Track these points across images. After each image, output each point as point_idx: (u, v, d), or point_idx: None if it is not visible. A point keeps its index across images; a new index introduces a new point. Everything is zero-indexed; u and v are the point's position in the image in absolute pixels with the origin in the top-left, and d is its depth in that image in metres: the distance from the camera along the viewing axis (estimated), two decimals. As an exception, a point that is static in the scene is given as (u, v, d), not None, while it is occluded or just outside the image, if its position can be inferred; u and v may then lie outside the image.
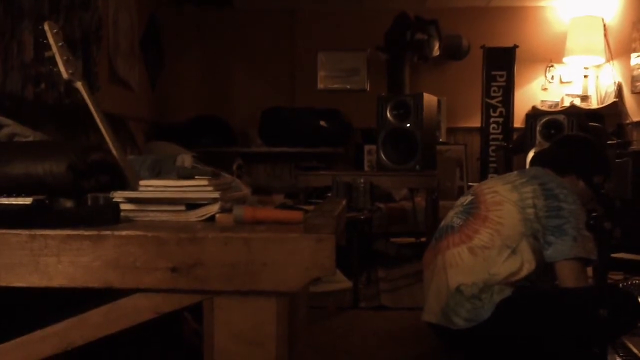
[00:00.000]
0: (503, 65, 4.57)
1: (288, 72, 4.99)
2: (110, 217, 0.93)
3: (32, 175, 1.01)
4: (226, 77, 4.99)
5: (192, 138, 4.31)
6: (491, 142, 4.60)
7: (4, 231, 0.84)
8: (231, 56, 4.97)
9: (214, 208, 0.99)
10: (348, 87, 5.01)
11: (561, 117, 3.17)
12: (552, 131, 3.11)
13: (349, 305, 2.62)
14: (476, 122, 4.72)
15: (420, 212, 3.70)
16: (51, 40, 1.23)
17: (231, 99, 4.97)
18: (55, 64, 1.23)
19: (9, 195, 0.94)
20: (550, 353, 1.65)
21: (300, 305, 1.22)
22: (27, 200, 0.91)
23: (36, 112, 2.56)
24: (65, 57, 1.23)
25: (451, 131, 4.91)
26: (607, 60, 4.49)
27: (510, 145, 4.08)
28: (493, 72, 4.59)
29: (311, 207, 1.18)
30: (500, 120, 4.60)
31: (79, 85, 1.25)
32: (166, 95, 4.79)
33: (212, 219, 0.99)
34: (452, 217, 1.83)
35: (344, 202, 1.24)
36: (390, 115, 3.20)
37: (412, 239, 4.03)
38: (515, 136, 4.38)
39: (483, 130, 4.61)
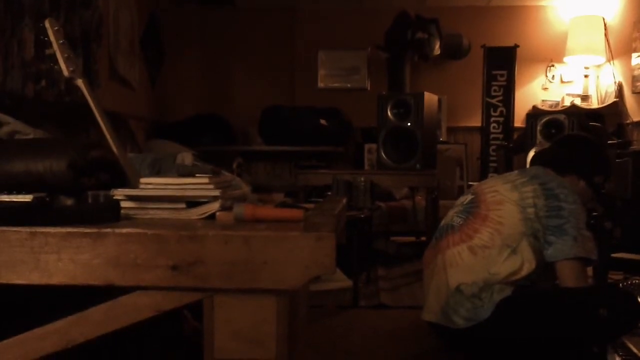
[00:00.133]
0: (504, 64, 4.57)
1: (288, 70, 4.99)
2: (111, 214, 0.93)
3: (32, 173, 1.01)
4: (226, 75, 4.99)
5: (192, 136, 4.31)
6: (491, 142, 4.60)
7: (4, 229, 0.84)
8: (231, 55, 4.96)
9: (214, 206, 0.99)
10: (348, 85, 5.01)
11: (562, 117, 3.17)
12: (553, 131, 3.11)
13: (349, 304, 2.62)
14: (476, 122, 4.72)
15: (421, 211, 3.70)
16: (52, 38, 1.23)
17: (231, 97, 4.97)
18: (56, 62, 1.23)
19: (9, 193, 0.94)
20: (550, 352, 1.65)
21: (301, 304, 1.22)
22: (28, 198, 0.91)
23: (37, 110, 2.56)
24: (66, 55, 1.23)
25: (451, 130, 4.91)
26: (608, 60, 4.49)
27: (511, 145, 4.07)
28: (494, 72, 4.59)
29: (311, 206, 1.18)
30: (501, 119, 4.60)
31: (79, 82, 1.25)
32: (166, 94, 4.79)
33: (212, 217, 0.99)
34: (452, 216, 1.83)
35: (344, 201, 1.24)
36: (390, 114, 3.20)
37: (412, 238, 4.04)
38: (515, 136, 4.38)
39: (483, 130, 4.61)
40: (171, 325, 1.33)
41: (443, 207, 3.22)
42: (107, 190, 1.01)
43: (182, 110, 4.72)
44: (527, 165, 2.73)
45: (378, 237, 3.76)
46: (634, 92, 4.13)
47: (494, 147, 4.57)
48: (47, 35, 1.23)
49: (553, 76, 4.85)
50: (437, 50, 4.67)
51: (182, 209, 1.00)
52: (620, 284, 2.36)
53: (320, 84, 5.01)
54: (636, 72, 4.06)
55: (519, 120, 4.57)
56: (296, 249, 0.80)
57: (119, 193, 1.00)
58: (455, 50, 4.78)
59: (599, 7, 4.57)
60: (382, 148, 3.21)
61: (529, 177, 1.78)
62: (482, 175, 4.40)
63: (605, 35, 4.50)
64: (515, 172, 1.92)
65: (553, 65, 4.83)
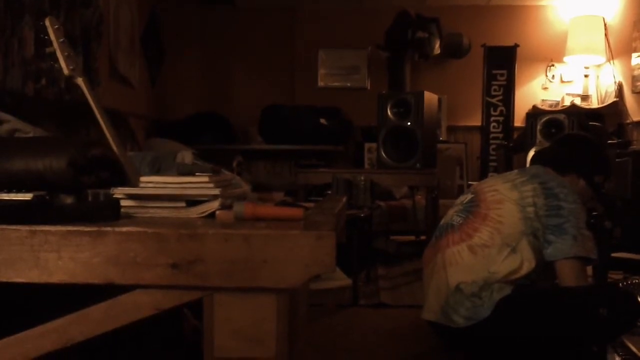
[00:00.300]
0: (504, 64, 4.57)
1: (288, 69, 4.99)
2: (111, 213, 0.93)
3: (32, 171, 1.01)
4: (226, 74, 4.99)
5: (192, 135, 4.30)
6: (491, 141, 4.60)
7: (4, 227, 0.84)
8: (232, 53, 4.96)
9: (214, 205, 0.99)
10: (348, 85, 5.01)
11: (562, 117, 3.17)
12: (553, 130, 3.11)
13: (349, 303, 2.62)
14: (476, 121, 4.72)
15: (420, 210, 3.70)
16: (52, 36, 1.23)
17: (231, 96, 4.97)
18: (56, 60, 1.23)
19: (9, 191, 0.94)
20: (550, 352, 1.65)
21: (301, 302, 1.22)
22: (27, 196, 0.91)
23: (37, 108, 2.56)
24: (66, 53, 1.23)
25: (451, 130, 4.91)
26: (608, 60, 4.49)
27: (511, 144, 4.07)
28: (494, 71, 4.59)
29: (311, 205, 1.18)
30: (501, 119, 4.60)
31: (79, 81, 1.25)
32: (166, 92, 4.78)
33: (212, 215, 0.98)
34: (452, 215, 1.83)
35: (344, 200, 1.24)
36: (390, 113, 3.20)
37: (412, 237, 4.04)
38: (515, 135, 4.38)
39: (483, 129, 4.61)
40: (171, 324, 1.33)
41: (443, 206, 3.23)
42: (107, 188, 1.01)
43: (182, 109, 4.72)
44: (527, 165, 2.73)
45: (378, 236, 3.76)
46: (633, 92, 4.13)
47: (493, 146, 4.57)
48: (47, 34, 1.23)
49: (553, 76, 4.85)
50: (437, 49, 4.66)
51: (182, 207, 1.00)
52: (620, 284, 2.36)
53: (321, 83, 5.01)
54: (636, 72, 4.06)
55: (519, 120, 4.57)
56: (296, 247, 0.80)
57: (119, 192, 1.00)
58: (455, 50, 4.78)
59: (599, 7, 4.57)
60: (382, 147, 3.21)
61: (528, 177, 1.78)
62: (482, 175, 4.40)
63: (606, 35, 4.50)
64: (515, 171, 1.92)
65: (553, 65, 4.83)
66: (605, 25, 4.51)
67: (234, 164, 3.23)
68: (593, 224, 1.80)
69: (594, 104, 4.66)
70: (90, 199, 0.98)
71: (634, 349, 1.82)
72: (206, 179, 1.01)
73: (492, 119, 4.60)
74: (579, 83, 4.78)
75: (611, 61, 4.46)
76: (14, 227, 0.84)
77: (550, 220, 1.66)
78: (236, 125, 4.74)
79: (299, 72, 4.99)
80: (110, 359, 1.18)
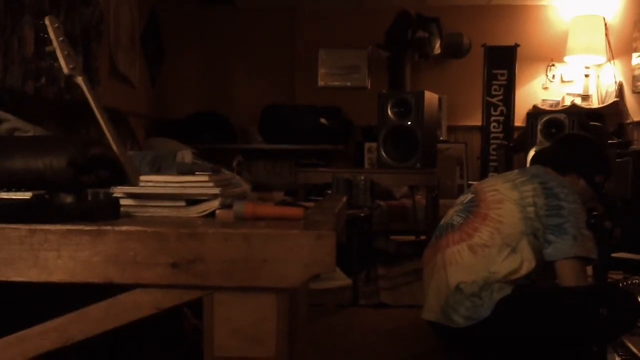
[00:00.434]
0: (504, 63, 4.57)
1: (288, 69, 4.99)
2: (110, 212, 0.93)
3: (32, 170, 1.01)
4: (227, 73, 4.99)
5: (192, 134, 4.30)
6: (492, 141, 4.60)
7: (3, 226, 0.84)
8: (232, 53, 4.96)
9: (214, 204, 0.99)
10: (349, 84, 5.00)
11: (562, 116, 3.17)
12: (553, 130, 3.10)
13: (349, 303, 2.62)
14: (477, 121, 4.72)
15: (421, 210, 3.70)
16: (52, 35, 1.22)
17: (231, 95, 4.97)
18: (56, 59, 1.23)
19: (8, 190, 0.94)
20: (550, 352, 1.65)
21: (300, 302, 1.22)
22: (27, 195, 0.91)
23: (36, 107, 2.56)
24: (66, 52, 1.23)
25: (452, 129, 4.90)
26: (608, 60, 4.49)
27: (511, 144, 4.07)
28: (494, 71, 4.58)
29: (311, 204, 1.18)
30: (501, 119, 4.60)
31: (79, 80, 1.25)
32: (166, 92, 4.78)
33: (212, 214, 0.98)
34: (452, 215, 1.83)
35: (344, 199, 1.24)
36: (391, 112, 3.20)
37: (412, 237, 4.04)
38: (515, 135, 4.38)
39: (484, 129, 4.61)
40: (171, 323, 1.33)
41: (443, 206, 3.22)
42: (107, 187, 1.01)
43: (182, 109, 4.72)
44: (528, 165, 2.73)
45: (378, 235, 3.75)
46: (634, 92, 4.12)
47: (494, 146, 4.57)
48: (47, 33, 1.22)
49: (553, 75, 4.85)
50: (437, 49, 4.66)
51: (182, 206, 0.99)
52: (620, 284, 2.36)
53: (321, 83, 5.00)
54: (636, 72, 4.06)
55: (519, 120, 4.57)
56: (296, 247, 0.80)
57: (118, 191, 1.00)
58: (455, 49, 4.78)
59: (599, 6, 4.56)
60: (382, 147, 3.21)
61: (529, 176, 1.78)
62: (482, 175, 4.40)
63: (606, 34, 4.50)
64: (515, 171, 1.92)
65: (553, 65, 4.82)
66: (605, 25, 4.51)
67: (234, 164, 3.23)
68: (593, 224, 1.80)
69: (595, 103, 4.66)
70: (90, 198, 0.98)
71: (634, 349, 1.82)
72: (206, 178, 1.01)
73: (493, 118, 4.60)
74: (579, 83, 4.78)
75: (611, 61, 4.46)
76: (13, 226, 0.83)
77: (551, 220, 1.66)
78: (236, 125, 4.74)
79: (299, 71, 4.99)
80: (110, 358, 1.18)
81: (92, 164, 1.06)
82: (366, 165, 4.44)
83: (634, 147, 3.66)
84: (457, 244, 1.71)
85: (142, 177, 1.02)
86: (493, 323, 1.59)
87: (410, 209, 3.87)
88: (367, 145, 4.49)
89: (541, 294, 1.70)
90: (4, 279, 0.84)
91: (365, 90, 4.93)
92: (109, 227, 0.83)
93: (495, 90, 4.60)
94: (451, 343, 1.81)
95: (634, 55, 4.06)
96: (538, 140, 3.14)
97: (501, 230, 1.67)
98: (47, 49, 1.24)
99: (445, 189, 4.20)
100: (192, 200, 1.00)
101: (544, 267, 1.68)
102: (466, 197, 1.86)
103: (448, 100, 4.77)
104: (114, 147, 1.19)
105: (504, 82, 4.58)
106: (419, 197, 3.88)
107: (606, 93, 4.56)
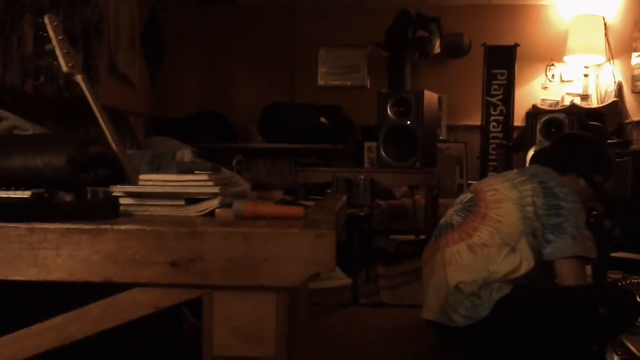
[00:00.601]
0: (504, 63, 4.57)
1: (288, 68, 4.98)
2: (110, 211, 0.93)
3: (31, 169, 1.01)
4: (226, 72, 4.98)
5: (192, 133, 4.30)
6: (491, 141, 4.60)
7: (2, 224, 0.84)
8: (232, 52, 4.96)
9: (213, 203, 0.99)
10: (348, 83, 5.00)
11: (562, 116, 3.17)
12: (553, 130, 3.11)
13: (349, 302, 2.62)
14: (476, 120, 4.72)
15: (420, 209, 3.70)
16: (51, 34, 1.22)
17: (231, 94, 4.96)
18: (55, 57, 1.23)
19: (7, 189, 0.94)
20: (549, 351, 1.65)
21: (300, 301, 1.21)
22: (26, 194, 0.90)
23: (36, 106, 2.56)
24: (65, 51, 1.23)
25: (451, 129, 4.90)
26: (608, 60, 4.49)
27: (511, 144, 4.07)
28: (494, 70, 4.58)
29: (311, 204, 1.17)
30: (501, 118, 4.59)
31: (78, 78, 1.24)
32: (166, 91, 4.78)
33: (211, 213, 0.98)
34: (451, 214, 1.83)
35: (344, 199, 1.24)
36: (390, 112, 3.20)
37: (411, 236, 4.04)
38: (515, 134, 4.38)
39: (483, 129, 4.60)
40: (170, 322, 1.32)
41: (443, 205, 3.22)
42: (106, 186, 1.01)
43: (182, 108, 4.72)
44: (527, 164, 2.73)
45: (378, 235, 3.75)
46: (633, 92, 4.12)
47: (493, 145, 4.57)
48: (46, 31, 1.22)
49: (553, 75, 4.85)
50: (437, 48, 4.66)
51: (181, 205, 0.99)
52: (619, 283, 2.36)
53: (321, 82, 5.00)
54: (636, 72, 4.06)
55: (518, 119, 4.57)
56: (296, 246, 0.80)
57: (118, 189, 1.00)
58: (455, 49, 4.78)
59: (599, 6, 4.56)
60: (382, 146, 3.21)
61: (528, 176, 1.78)
62: (482, 174, 4.40)
63: (606, 34, 4.50)
64: (515, 170, 1.92)
65: (553, 65, 4.82)
66: (605, 24, 4.51)
67: (234, 163, 3.23)
68: (593, 223, 1.80)
69: (594, 103, 4.66)
70: (89, 196, 0.97)
71: (633, 348, 1.82)
72: (206, 177, 1.01)
73: (492, 118, 4.60)
74: (578, 83, 4.77)
75: (611, 61, 4.46)
76: (12, 224, 0.83)
77: (550, 219, 1.66)
78: (236, 124, 4.74)
79: (299, 70, 4.98)
80: (109, 357, 1.18)
81: (92, 162, 1.06)
82: (366, 165, 4.43)
83: (634, 146, 3.66)
84: (457, 244, 1.71)
85: (142, 176, 1.02)
86: (492, 322, 1.59)
87: (410, 208, 3.87)
88: (367, 144, 4.48)
89: (540, 293, 1.70)
90: (3, 277, 0.83)
91: (365, 89, 4.92)
92: (108, 226, 0.83)
93: (494, 89, 4.59)
94: (450, 342, 1.82)
95: (634, 55, 4.06)
96: (537, 140, 3.14)
97: (500, 230, 1.67)
98: (47, 47, 1.23)
99: (444, 189, 4.20)
100: (192, 199, 1.00)
101: (543, 267, 1.68)
102: (465, 196, 1.86)
103: (448, 100, 4.77)
104: (113, 145, 1.19)
105: (504, 82, 4.58)
106: (419, 196, 3.88)
107: (605, 93, 4.56)
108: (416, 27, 4.56)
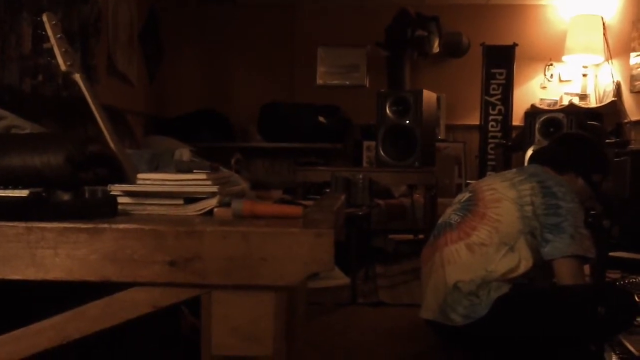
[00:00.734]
0: (502, 63, 4.57)
1: (288, 67, 4.98)
2: (108, 210, 0.93)
3: (29, 168, 1.01)
4: (225, 71, 4.98)
5: (190, 132, 4.29)
6: (490, 140, 4.60)
7: (0, 223, 0.83)
8: (231, 51, 4.95)
9: (212, 202, 0.98)
10: (347, 83, 5.00)
11: (560, 116, 3.17)
12: (551, 129, 3.11)
13: (347, 302, 2.62)
14: (475, 120, 4.72)
15: (419, 208, 3.70)
16: (49, 32, 1.22)
17: (230, 93, 4.96)
18: (54, 56, 1.22)
19: (5, 188, 0.93)
20: (548, 350, 1.65)
21: (299, 301, 1.21)
22: (24, 193, 0.90)
23: (34, 105, 2.55)
24: (63, 49, 1.22)
25: (450, 128, 4.90)
26: (606, 59, 4.49)
27: (509, 143, 4.08)
28: (492, 70, 4.58)
29: (310, 203, 1.17)
30: (499, 118, 4.60)
31: (77, 77, 1.24)
32: (165, 89, 4.77)
33: (210, 213, 0.98)
34: (450, 214, 1.83)
35: (342, 198, 1.24)
36: (389, 111, 3.20)
37: (410, 236, 4.04)
38: (514, 134, 4.38)
39: (482, 128, 4.60)
40: (169, 322, 1.32)
41: (441, 205, 3.22)
42: (105, 185, 1.01)
43: (181, 106, 4.71)
44: (525, 164, 2.73)
45: (376, 234, 3.76)
46: (632, 92, 4.13)
47: (492, 145, 4.57)
48: (44, 30, 1.22)
49: (552, 75, 4.85)
50: (436, 48, 4.66)
51: (180, 205, 0.99)
52: (618, 283, 2.37)
53: (320, 81, 5.00)
54: (634, 72, 4.07)
55: (517, 119, 4.57)
56: (295, 245, 0.80)
57: (116, 188, 1.00)
58: (454, 48, 4.78)
59: (598, 6, 4.57)
60: (381, 145, 3.21)
61: (527, 175, 1.78)
62: (481, 174, 4.40)
63: (604, 34, 4.50)
64: (514, 170, 1.92)
65: (552, 64, 4.83)
66: (604, 24, 4.51)
67: (233, 162, 3.23)
68: (591, 223, 1.80)
69: (592, 103, 4.67)
70: (87, 195, 0.97)
71: (631, 348, 1.82)
72: (204, 176, 1.01)
73: (491, 117, 4.60)
74: (577, 82, 4.78)
75: (610, 61, 4.46)
76: (10, 223, 0.83)
77: (548, 219, 1.66)
78: (235, 123, 4.74)
79: (298, 69, 4.98)
80: (107, 356, 1.18)
81: (90, 161, 1.06)
82: (365, 164, 4.43)
83: (632, 146, 3.66)
84: (455, 243, 1.71)
85: (140, 175, 1.01)
86: (491, 321, 1.59)
87: (409, 207, 3.87)
88: (365, 143, 4.48)
89: (539, 292, 1.71)
90: (0, 277, 0.83)
91: (364, 88, 4.92)
92: (106, 225, 0.83)
93: (493, 89, 4.59)
94: (449, 341, 1.82)
95: (632, 55, 4.06)
96: (536, 140, 3.14)
97: (499, 229, 1.68)
98: (45, 46, 1.23)
99: (443, 188, 4.20)
100: (190, 199, 0.99)
101: (542, 266, 1.68)
102: (464, 195, 1.86)
103: (447, 99, 4.77)
104: (112, 144, 1.19)
105: (503, 82, 4.58)
106: (418, 195, 3.88)
107: (604, 92, 4.56)
108: (415, 27, 4.56)
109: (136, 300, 0.83)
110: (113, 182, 1.02)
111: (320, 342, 2.02)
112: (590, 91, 4.72)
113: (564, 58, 4.65)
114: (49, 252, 0.82)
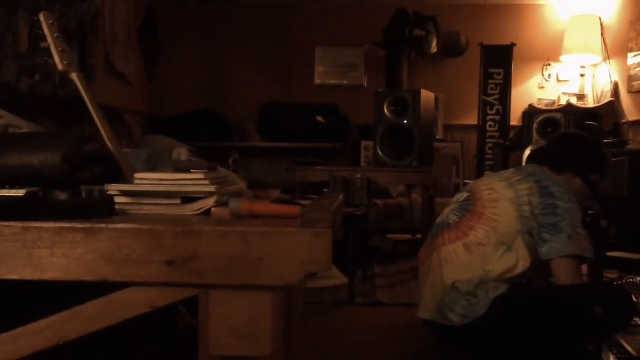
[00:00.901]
0: (500, 62, 4.57)
1: (286, 66, 4.98)
2: (105, 209, 0.92)
3: (26, 166, 1.00)
4: (224, 70, 4.97)
5: (188, 132, 4.29)
6: (488, 140, 4.60)
7: (-3, 223, 0.83)
8: (229, 50, 4.94)
9: (209, 201, 0.98)
10: (345, 82, 5.00)
11: (558, 115, 3.17)
12: (549, 129, 3.11)
13: (345, 301, 2.62)
14: (473, 120, 4.72)
15: (417, 208, 3.70)
16: (46, 31, 1.21)
17: (228, 92, 4.95)
18: (51, 55, 1.22)
19: (2, 187, 0.93)
20: (545, 350, 1.65)
21: (297, 300, 1.21)
22: (21, 192, 0.90)
23: (31, 104, 2.54)
24: (60, 48, 1.22)
25: (448, 128, 4.91)
26: (604, 59, 4.50)
27: (507, 143, 4.08)
28: (490, 70, 4.58)
29: (308, 202, 1.17)
30: (497, 117, 4.60)
31: (74, 76, 1.23)
32: (163, 88, 4.76)
33: (207, 212, 0.98)
34: (447, 213, 1.83)
35: (340, 197, 1.24)
36: (387, 111, 3.20)
37: (408, 236, 4.04)
38: (511, 134, 4.38)
39: (480, 128, 4.61)
40: (166, 321, 1.32)
41: (439, 204, 3.22)
42: (102, 185, 1.00)
43: (178, 106, 4.70)
44: (523, 163, 2.73)
45: (374, 234, 3.75)
46: (629, 92, 4.14)
47: (490, 145, 4.57)
48: (41, 29, 1.21)
49: (549, 75, 4.86)
50: (434, 47, 4.66)
51: (177, 204, 0.99)
52: (615, 283, 2.37)
53: (318, 81, 5.00)
54: (632, 72, 4.07)
55: (515, 119, 4.58)
56: (293, 244, 0.80)
57: (113, 188, 0.99)
58: (452, 48, 4.78)
59: (595, 6, 4.57)
60: (379, 145, 3.21)
61: (524, 175, 1.78)
62: (478, 173, 4.40)
63: (602, 34, 4.51)
64: (511, 170, 1.93)
65: (549, 64, 4.83)
66: (601, 24, 4.52)
67: (230, 161, 3.22)
68: (589, 222, 1.81)
69: (590, 103, 4.67)
70: (84, 195, 0.97)
71: (628, 347, 1.82)
72: (202, 175, 1.00)
73: (489, 117, 4.61)
74: (575, 82, 4.79)
75: (607, 61, 4.47)
76: (7, 223, 0.83)
77: (546, 218, 1.67)
78: (233, 122, 4.73)
79: (296, 69, 4.97)
80: (105, 356, 1.17)
81: (87, 160, 1.06)
82: (363, 164, 4.43)
83: (630, 146, 3.67)
84: (453, 243, 1.71)
85: (137, 175, 1.01)
86: (488, 321, 1.60)
87: (407, 207, 3.87)
88: (363, 143, 4.48)
89: (536, 292, 1.71)
90: (-3, 276, 0.83)
91: (362, 88, 4.92)
92: (103, 225, 0.82)
93: (491, 89, 4.60)
94: (447, 341, 1.82)
95: (630, 55, 4.07)
96: (534, 139, 3.14)
97: (496, 229, 1.68)
98: (42, 45, 1.22)
99: (441, 188, 4.20)
100: (188, 198, 0.99)
101: (539, 266, 1.68)
102: (462, 195, 1.86)
103: (444, 99, 4.77)
104: (109, 144, 1.18)
105: (500, 81, 4.58)
106: (415, 195, 3.88)
107: (602, 92, 4.57)
108: (413, 26, 4.55)
109: (133, 300, 0.83)
110: (110, 182, 1.02)
111: (318, 341, 2.02)
112: (587, 91, 4.73)
113: (561, 58, 4.66)
114: (46, 252, 0.82)
